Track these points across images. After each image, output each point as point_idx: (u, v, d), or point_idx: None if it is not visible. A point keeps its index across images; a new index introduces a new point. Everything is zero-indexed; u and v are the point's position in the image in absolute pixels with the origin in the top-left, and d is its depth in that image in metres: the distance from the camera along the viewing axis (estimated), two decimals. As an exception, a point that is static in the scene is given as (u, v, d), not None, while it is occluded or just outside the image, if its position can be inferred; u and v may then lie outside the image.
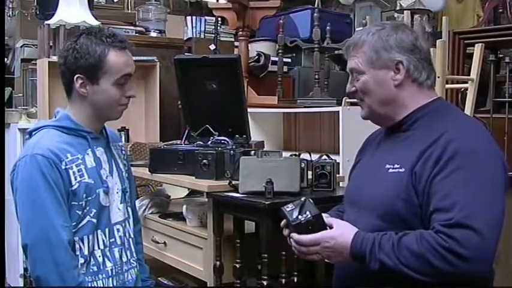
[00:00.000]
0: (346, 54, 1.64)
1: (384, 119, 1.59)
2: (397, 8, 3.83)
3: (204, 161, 2.27)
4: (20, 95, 4.21)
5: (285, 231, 1.55)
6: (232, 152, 2.27)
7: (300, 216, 1.47)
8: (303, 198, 1.51)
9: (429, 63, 1.58)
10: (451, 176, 1.37)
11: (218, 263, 2.21)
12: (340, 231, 1.46)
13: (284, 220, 1.54)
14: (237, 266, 2.17)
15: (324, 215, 1.53)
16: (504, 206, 1.38)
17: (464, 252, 1.29)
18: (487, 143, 1.45)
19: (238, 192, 2.10)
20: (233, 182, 2.16)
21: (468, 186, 1.35)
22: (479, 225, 1.30)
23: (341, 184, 2.40)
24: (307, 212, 1.47)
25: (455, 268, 1.29)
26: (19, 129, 3.62)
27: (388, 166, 1.51)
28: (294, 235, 1.49)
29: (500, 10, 4.02)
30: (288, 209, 1.51)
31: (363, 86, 1.57)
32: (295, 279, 2.12)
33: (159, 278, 2.79)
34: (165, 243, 2.54)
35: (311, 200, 1.51)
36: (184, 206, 2.46)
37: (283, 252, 2.04)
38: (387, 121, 1.60)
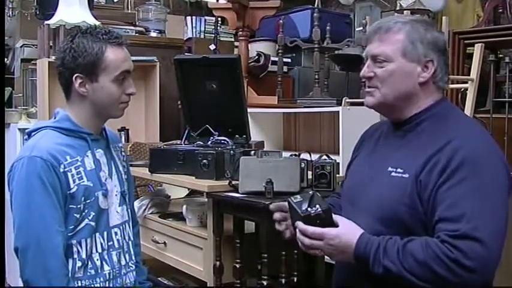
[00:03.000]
0: (371, 36, 1.55)
1: (393, 111, 1.55)
2: (397, 8, 3.83)
3: (204, 161, 2.26)
4: (20, 95, 4.21)
5: (281, 226, 1.53)
6: (232, 152, 2.27)
7: (309, 209, 1.45)
8: (310, 192, 1.50)
9: (448, 69, 1.56)
10: (457, 186, 1.36)
11: (218, 263, 2.21)
12: (346, 231, 1.44)
13: (278, 204, 1.53)
14: (237, 266, 2.17)
15: None
16: (507, 213, 1.38)
17: (469, 263, 1.29)
18: (492, 149, 1.45)
19: (238, 192, 2.10)
20: (233, 182, 2.16)
21: (475, 197, 1.34)
22: (485, 237, 1.30)
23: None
24: (317, 206, 1.45)
25: (459, 278, 1.30)
26: (19, 129, 3.63)
27: (390, 169, 1.49)
28: (300, 224, 1.46)
29: (500, 10, 4.02)
30: (295, 200, 1.48)
31: (387, 74, 1.50)
32: (295, 279, 2.11)
33: (159, 278, 2.79)
34: (165, 243, 2.54)
35: (319, 194, 1.50)
36: (184, 206, 2.46)
37: (283, 252, 2.04)
38: (395, 114, 1.56)
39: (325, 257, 2.26)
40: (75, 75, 1.65)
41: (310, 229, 1.44)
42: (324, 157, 2.26)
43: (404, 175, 1.45)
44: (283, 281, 2.04)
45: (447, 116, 1.52)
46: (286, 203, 1.56)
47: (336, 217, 1.48)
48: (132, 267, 1.81)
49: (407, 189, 1.42)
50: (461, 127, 1.49)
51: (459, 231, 1.31)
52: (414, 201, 1.41)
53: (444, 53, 1.53)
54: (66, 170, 1.60)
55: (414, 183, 1.42)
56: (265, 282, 2.02)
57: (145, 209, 2.68)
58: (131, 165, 2.61)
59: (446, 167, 1.38)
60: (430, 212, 1.39)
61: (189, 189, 2.82)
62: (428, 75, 1.50)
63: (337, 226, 1.46)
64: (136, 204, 2.64)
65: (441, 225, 1.35)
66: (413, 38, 1.49)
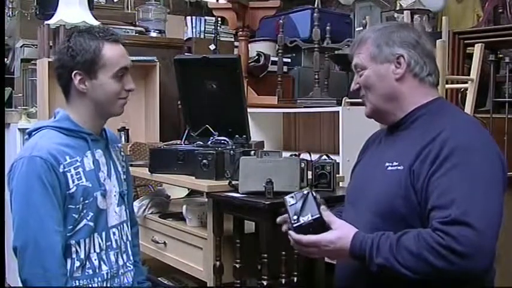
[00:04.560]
0: (351, 52, 1.66)
1: (387, 115, 1.60)
2: (397, 8, 3.82)
3: (204, 161, 2.26)
4: (20, 95, 4.21)
5: (284, 227, 1.55)
6: (232, 152, 2.27)
7: (301, 218, 1.47)
8: (305, 191, 1.50)
9: (432, 61, 1.59)
10: (448, 174, 1.37)
11: (218, 263, 2.21)
12: (339, 234, 1.45)
13: (283, 216, 1.54)
14: (237, 266, 2.17)
15: (322, 208, 1.52)
16: (502, 202, 1.38)
17: (460, 248, 1.29)
18: (485, 141, 1.46)
19: (238, 192, 2.10)
20: (233, 182, 2.16)
21: (465, 184, 1.35)
22: (475, 222, 1.30)
23: (341, 184, 2.40)
24: (309, 215, 1.46)
25: (453, 265, 1.29)
26: (19, 129, 3.62)
27: (387, 164, 1.51)
28: (293, 234, 1.48)
29: (500, 10, 4.01)
30: (289, 204, 1.49)
31: (365, 80, 1.59)
32: (295, 279, 2.11)
33: (159, 278, 2.79)
34: (165, 243, 2.54)
35: (314, 194, 1.50)
36: (184, 206, 2.46)
37: (283, 252, 2.04)
38: (390, 118, 1.60)
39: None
40: (74, 72, 1.65)
41: (304, 239, 1.46)
42: (324, 157, 2.26)
43: (399, 167, 1.47)
44: (283, 281, 2.04)
45: (441, 111, 1.54)
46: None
47: (329, 219, 1.48)
48: (129, 267, 1.81)
49: (402, 180, 1.44)
50: (454, 119, 1.51)
51: (449, 217, 1.32)
52: (409, 192, 1.43)
53: (416, 46, 1.56)
54: (65, 170, 1.61)
55: (408, 173, 1.44)
56: (265, 282, 2.02)
57: (145, 209, 2.68)
58: (131, 165, 2.62)
59: (437, 156, 1.40)
60: (424, 202, 1.40)
61: (189, 189, 2.81)
62: (402, 70, 1.55)
63: (330, 228, 1.46)
64: (136, 204, 2.64)
65: (433, 213, 1.36)
66: (378, 42, 1.57)
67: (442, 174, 1.38)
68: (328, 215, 1.50)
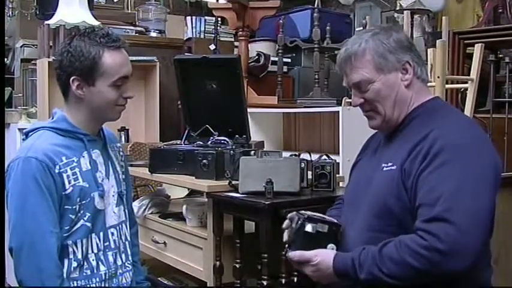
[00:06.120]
0: (344, 68, 1.58)
1: (394, 122, 1.57)
2: (397, 8, 3.82)
3: (204, 161, 2.26)
4: (20, 95, 4.21)
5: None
6: (232, 152, 2.27)
7: (289, 252, 1.56)
8: (303, 218, 1.54)
9: (421, 58, 1.59)
10: (436, 171, 1.37)
11: (218, 263, 2.21)
12: (319, 267, 1.49)
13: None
14: (237, 266, 2.17)
15: (321, 215, 1.54)
16: (492, 201, 1.37)
17: (442, 246, 1.28)
18: (476, 138, 1.45)
19: (238, 192, 2.10)
20: (233, 182, 2.16)
21: (452, 181, 1.35)
22: (458, 219, 1.29)
23: (341, 184, 2.40)
24: (295, 250, 1.54)
25: (435, 265, 1.29)
26: (19, 129, 3.62)
27: (383, 165, 1.52)
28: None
29: (500, 10, 4.01)
30: (286, 225, 1.60)
31: (376, 94, 1.54)
32: (295, 279, 2.11)
33: (159, 278, 2.79)
34: (165, 243, 2.54)
35: (310, 229, 1.53)
36: (184, 206, 2.46)
37: (283, 252, 2.04)
38: (396, 123, 1.58)
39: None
40: (72, 77, 1.64)
41: (295, 259, 1.55)
42: (324, 157, 2.26)
43: (393, 167, 1.48)
44: (283, 281, 2.04)
45: (437, 110, 1.54)
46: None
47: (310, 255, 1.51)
48: (128, 267, 1.81)
49: (395, 179, 1.45)
50: (447, 118, 1.51)
51: (432, 215, 1.32)
52: (400, 190, 1.43)
53: (411, 48, 1.56)
54: (61, 170, 1.60)
55: (400, 172, 1.44)
56: (265, 282, 2.02)
57: (145, 209, 2.68)
58: (131, 165, 2.62)
59: (427, 154, 1.40)
60: (413, 199, 1.41)
61: (189, 189, 2.81)
62: (411, 76, 1.54)
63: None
64: (136, 204, 2.64)
65: (420, 210, 1.37)
66: (380, 51, 1.52)
67: (430, 172, 1.38)
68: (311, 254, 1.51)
